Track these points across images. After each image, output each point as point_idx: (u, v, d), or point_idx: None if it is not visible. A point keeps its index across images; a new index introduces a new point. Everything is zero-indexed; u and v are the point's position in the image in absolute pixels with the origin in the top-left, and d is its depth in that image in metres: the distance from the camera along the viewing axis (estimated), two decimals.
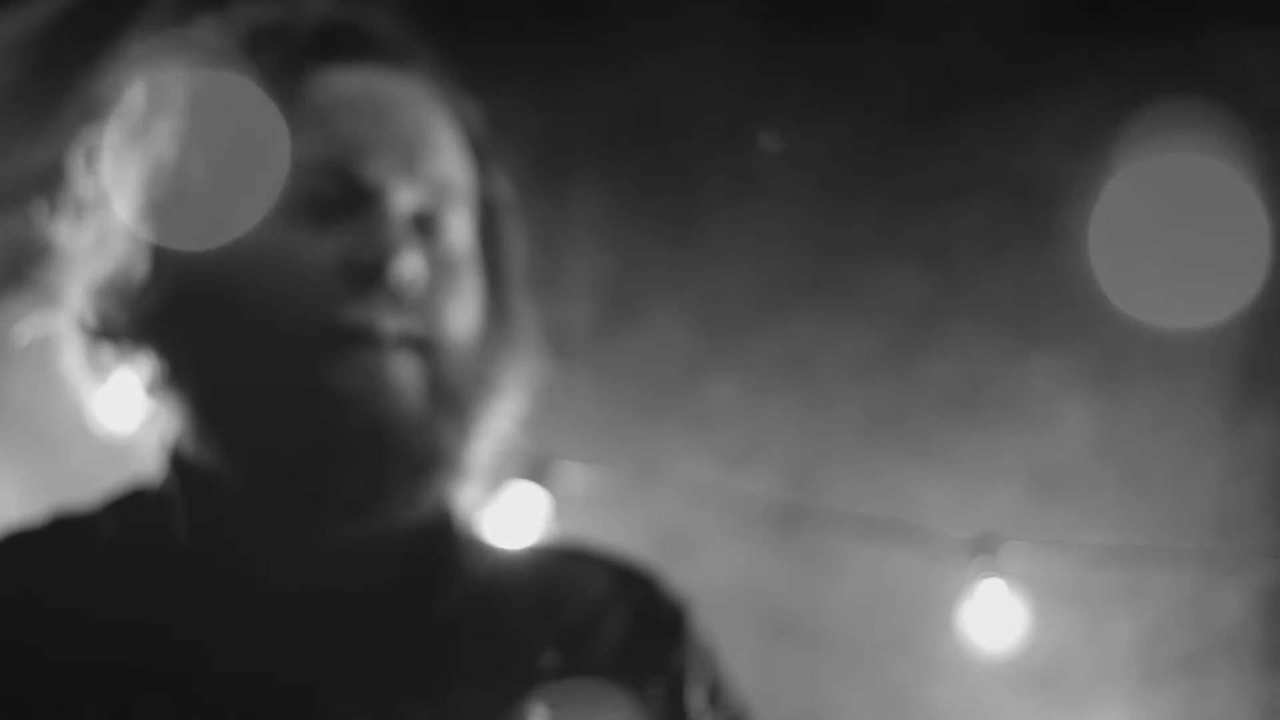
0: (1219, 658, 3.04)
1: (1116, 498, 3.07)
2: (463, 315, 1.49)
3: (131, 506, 1.56)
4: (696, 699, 1.60)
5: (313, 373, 1.44)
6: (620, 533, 2.95)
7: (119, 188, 1.52)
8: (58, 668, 1.45)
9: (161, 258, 1.49)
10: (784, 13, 3.19)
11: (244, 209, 1.48)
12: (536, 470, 2.94)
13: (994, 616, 2.89)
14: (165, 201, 1.50)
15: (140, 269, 1.49)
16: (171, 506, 1.51)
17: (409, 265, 1.45)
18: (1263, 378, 3.05)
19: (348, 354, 1.44)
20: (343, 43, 1.53)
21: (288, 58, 1.51)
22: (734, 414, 3.14)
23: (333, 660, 1.47)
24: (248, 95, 1.50)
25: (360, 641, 1.48)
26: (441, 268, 1.49)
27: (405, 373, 1.45)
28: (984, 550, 2.89)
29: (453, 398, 1.48)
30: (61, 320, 1.56)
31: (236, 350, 1.46)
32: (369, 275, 1.44)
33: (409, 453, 1.45)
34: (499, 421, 1.55)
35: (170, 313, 1.49)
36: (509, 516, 2.90)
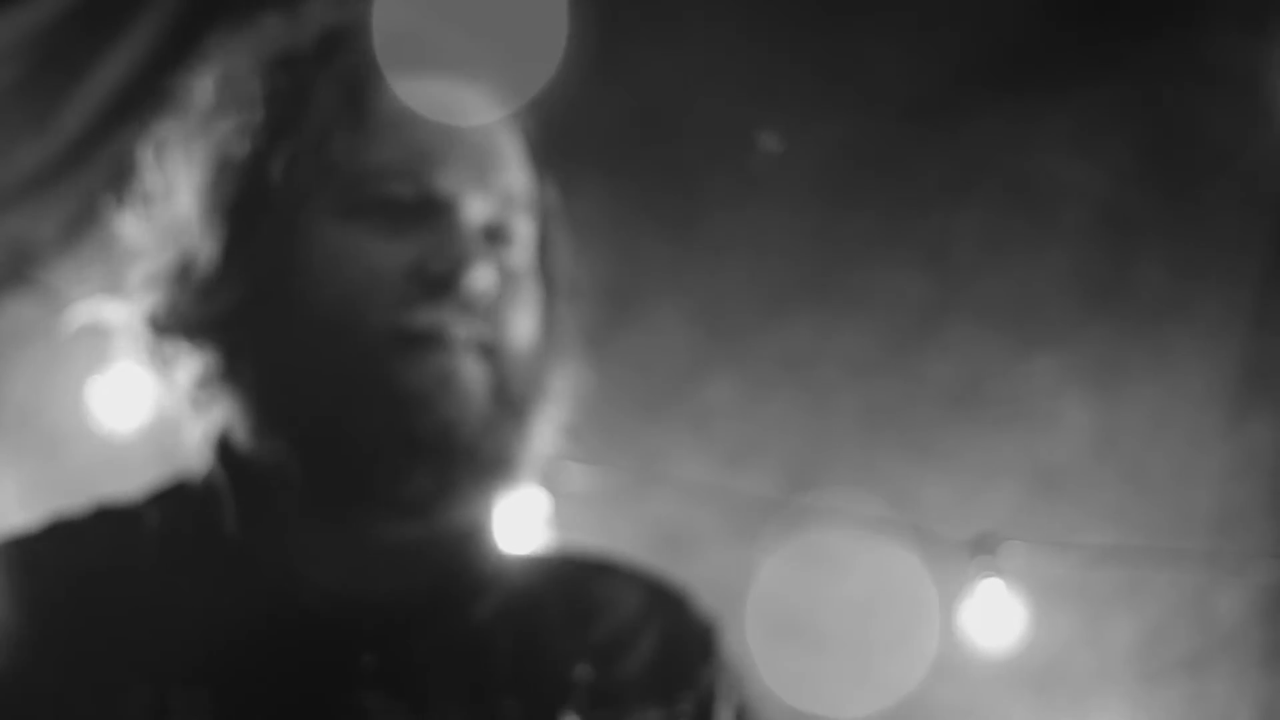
0: (1219, 657, 3.04)
1: (1116, 497, 3.07)
2: (525, 323, 1.52)
3: (176, 499, 1.57)
4: (726, 716, 1.60)
5: (384, 373, 1.46)
6: (620, 532, 2.96)
7: (188, 181, 1.53)
8: (98, 655, 1.46)
9: (234, 255, 1.50)
10: (784, 13, 3.19)
11: (315, 209, 1.50)
12: (537, 455, 2.94)
13: (994, 616, 2.89)
14: (239, 195, 1.51)
15: (211, 265, 1.51)
16: (219, 500, 1.52)
17: (482, 276, 1.47)
18: (1263, 377, 3.05)
19: (418, 356, 1.46)
20: (414, 50, 1.55)
21: (362, 60, 1.53)
22: (734, 413, 3.14)
23: (371, 661, 1.48)
24: (322, 95, 1.52)
25: (400, 644, 1.49)
26: (508, 277, 1.51)
27: (473, 376, 1.48)
28: (984, 550, 2.89)
29: (515, 402, 1.50)
30: (122, 312, 1.57)
31: (307, 349, 1.48)
32: (442, 283, 1.47)
33: (477, 454, 1.48)
34: (550, 427, 1.56)
35: (242, 310, 1.50)
36: (509, 517, 2.90)
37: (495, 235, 1.52)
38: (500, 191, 1.52)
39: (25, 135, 2.97)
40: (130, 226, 1.57)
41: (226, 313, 1.50)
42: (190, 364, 1.53)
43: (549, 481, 2.95)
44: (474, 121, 1.54)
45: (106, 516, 1.57)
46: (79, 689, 1.45)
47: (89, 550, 1.52)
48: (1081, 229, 3.11)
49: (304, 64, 1.54)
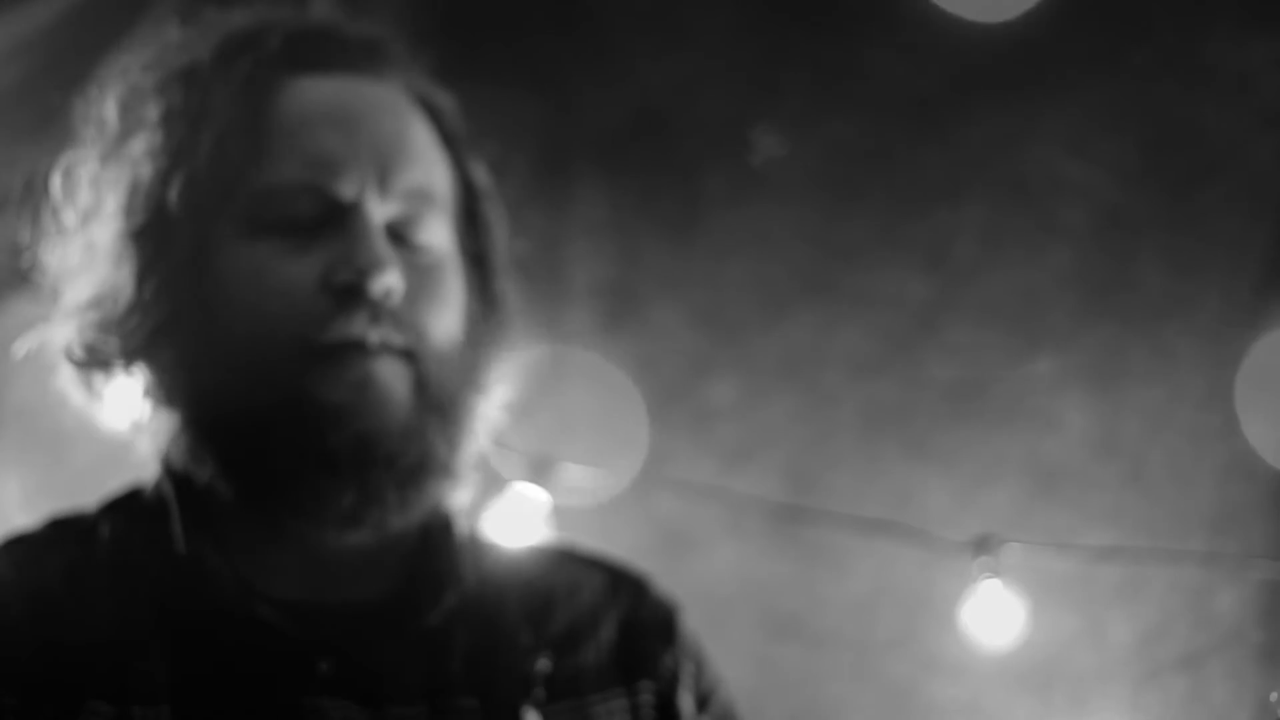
0: (1218, 657, 3.04)
1: (1116, 497, 3.07)
2: (446, 319, 1.51)
3: (127, 510, 1.56)
4: (686, 702, 1.60)
5: (299, 387, 1.45)
6: (621, 533, 2.96)
7: (98, 209, 1.52)
8: (56, 675, 1.45)
9: (145, 283, 1.49)
10: (784, 13, 3.19)
11: (220, 231, 1.49)
12: (537, 471, 2.95)
13: (994, 616, 2.89)
14: (144, 223, 1.49)
15: (125, 294, 1.50)
16: (167, 512, 1.52)
17: (385, 280, 1.46)
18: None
19: (333, 368, 1.46)
20: (314, 51, 1.53)
21: (258, 69, 1.51)
22: (734, 414, 3.14)
23: (328, 668, 1.47)
24: (218, 108, 1.49)
25: (355, 649, 1.48)
26: (421, 274, 1.50)
27: (391, 382, 1.47)
28: (984, 550, 2.89)
29: (440, 402, 1.49)
30: (53, 339, 1.57)
31: (223, 369, 1.47)
32: (350, 292, 1.46)
33: (399, 462, 1.47)
34: (489, 417, 1.56)
35: (156, 336, 1.50)
36: (510, 518, 2.90)
37: (402, 234, 1.51)
38: (406, 188, 1.51)
39: (27, 136, 2.97)
40: (50, 255, 1.56)
41: (144, 340, 1.49)
42: (122, 388, 1.53)
43: (550, 482, 2.95)
44: (379, 118, 1.52)
45: (61, 530, 1.56)
46: (38, 710, 1.44)
47: (44, 567, 1.51)
48: (1081, 229, 3.11)
49: (201, 76, 1.52)
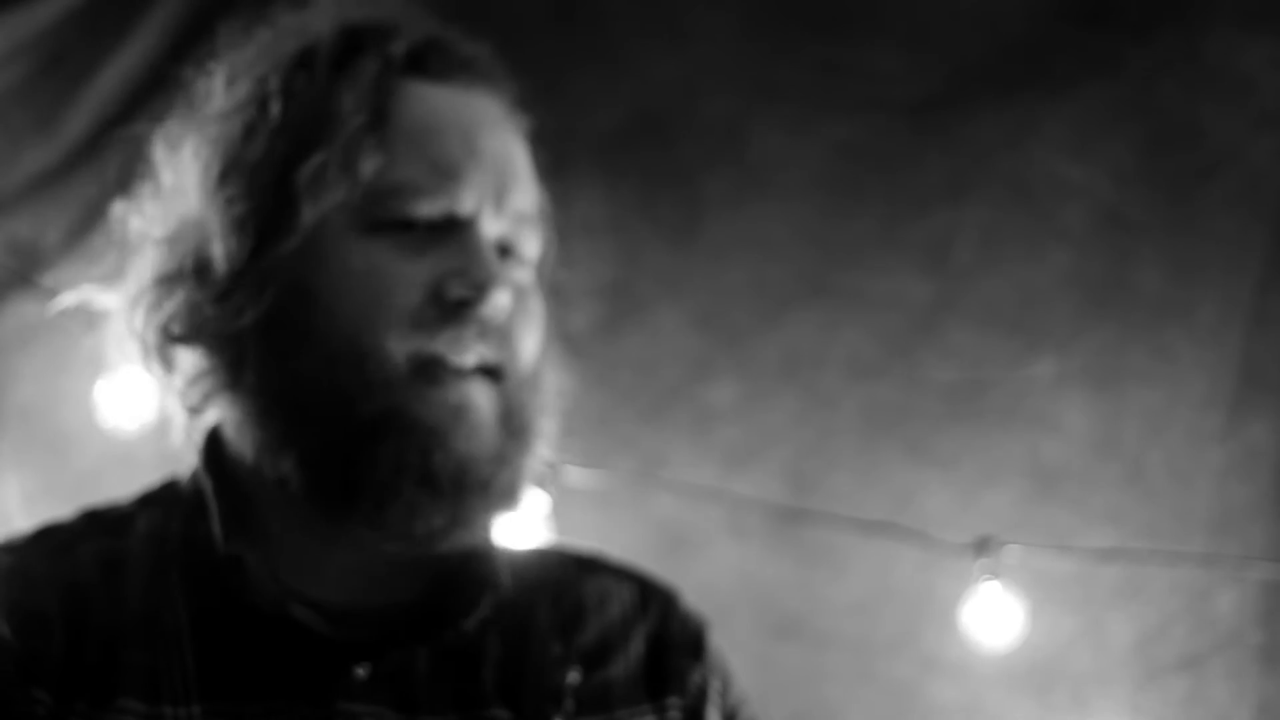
0: (1218, 658, 3.04)
1: (1116, 498, 3.07)
2: (533, 344, 1.51)
3: (164, 503, 1.55)
4: (715, 717, 1.60)
5: (400, 403, 1.43)
6: (621, 535, 2.96)
7: (202, 180, 1.50)
8: (89, 670, 1.44)
9: (255, 263, 1.46)
10: (785, 13, 3.19)
11: (338, 223, 1.47)
12: (537, 473, 2.94)
13: (994, 617, 2.89)
14: (260, 203, 1.47)
15: (231, 271, 1.47)
16: (205, 506, 1.51)
17: (500, 299, 1.46)
18: (1262, 379, 3.05)
19: (434, 385, 1.44)
20: (435, 59, 1.52)
21: (386, 69, 1.50)
22: (734, 415, 3.14)
23: (363, 673, 1.47)
24: (346, 102, 1.48)
25: (391, 655, 1.48)
26: (519, 295, 1.50)
27: (484, 405, 1.46)
28: (984, 551, 2.89)
29: (521, 427, 1.49)
30: (122, 306, 1.54)
31: (322, 367, 1.44)
32: (464, 308, 1.45)
33: (491, 488, 1.46)
34: (546, 442, 1.55)
35: (259, 321, 1.47)
36: (510, 519, 2.90)
37: (507, 253, 1.50)
38: (516, 209, 1.50)
39: (29, 137, 2.97)
40: (139, 221, 1.53)
41: (244, 322, 1.47)
42: (191, 366, 1.51)
43: (550, 484, 2.95)
44: (495, 134, 1.52)
45: (95, 522, 1.55)
46: (69, 706, 1.43)
47: (77, 559, 1.50)
48: (1081, 229, 3.11)
49: (322, 66, 1.50)
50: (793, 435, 3.13)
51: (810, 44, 3.16)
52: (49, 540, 1.53)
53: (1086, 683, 3.07)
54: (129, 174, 1.58)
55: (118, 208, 1.56)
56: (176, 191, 1.51)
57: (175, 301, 1.50)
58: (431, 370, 1.45)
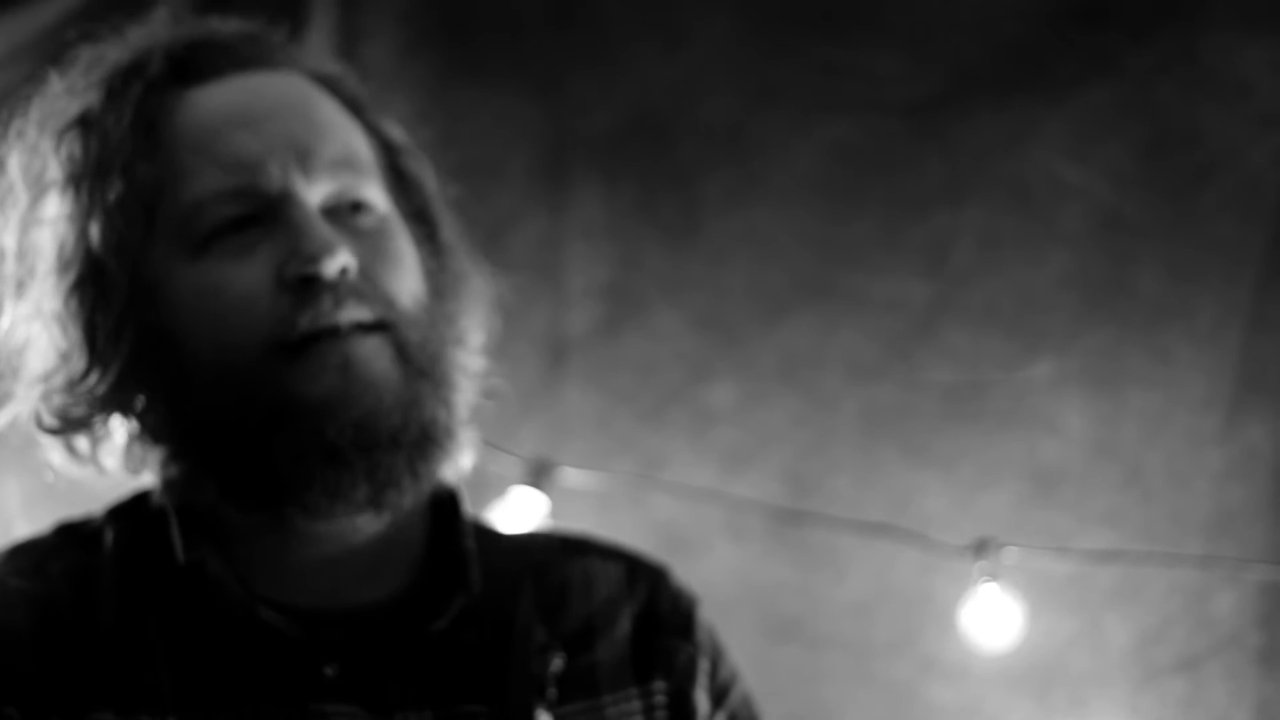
0: (1216, 660, 3.04)
1: (1114, 500, 3.07)
2: (407, 281, 1.50)
3: (132, 517, 1.56)
4: (701, 701, 1.60)
5: (282, 389, 1.44)
6: (621, 536, 2.95)
7: (32, 275, 1.50)
8: (63, 685, 1.45)
9: (95, 332, 1.47)
10: (784, 15, 3.19)
11: (160, 257, 1.47)
12: (537, 475, 2.94)
13: (993, 618, 2.89)
14: (78, 276, 1.47)
15: (79, 350, 1.48)
16: (167, 521, 1.51)
17: (338, 261, 1.45)
18: (1260, 381, 3.05)
19: (311, 360, 1.44)
20: (199, 60, 1.52)
21: (148, 93, 1.49)
22: (734, 417, 3.14)
23: (333, 672, 1.47)
24: (115, 139, 1.47)
25: (361, 654, 1.48)
26: (369, 243, 1.49)
27: (372, 358, 1.45)
28: (983, 553, 2.89)
29: (425, 366, 1.48)
30: (22, 413, 1.55)
31: (200, 391, 1.45)
32: (306, 283, 1.45)
33: (403, 438, 1.46)
34: (472, 367, 1.55)
35: (123, 382, 1.48)
36: (510, 521, 2.90)
37: (339, 209, 1.50)
38: (329, 163, 1.50)
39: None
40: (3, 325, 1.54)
41: (111, 390, 1.47)
42: (108, 437, 1.53)
43: (549, 486, 2.95)
44: (280, 104, 1.51)
45: (67, 536, 1.56)
46: (41, 709, 1.44)
47: (48, 575, 1.51)
48: (1080, 231, 3.11)
49: (95, 118, 1.50)
50: (792, 437, 3.12)
51: (809, 45, 3.16)
52: (20, 558, 1.54)
53: (1085, 684, 3.07)
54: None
55: None
56: (15, 292, 1.52)
57: (56, 393, 1.51)
58: (301, 347, 1.44)
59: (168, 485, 1.52)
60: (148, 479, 1.56)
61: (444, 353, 1.50)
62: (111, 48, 1.54)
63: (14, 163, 1.54)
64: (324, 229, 1.47)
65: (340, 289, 1.45)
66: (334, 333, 1.45)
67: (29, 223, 1.52)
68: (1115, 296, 3.08)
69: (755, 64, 3.18)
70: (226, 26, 1.56)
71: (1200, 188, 3.07)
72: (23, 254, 1.52)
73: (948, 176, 3.13)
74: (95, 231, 1.47)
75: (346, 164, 1.51)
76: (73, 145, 1.50)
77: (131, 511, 1.57)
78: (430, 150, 1.61)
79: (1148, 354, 3.06)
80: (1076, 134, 3.11)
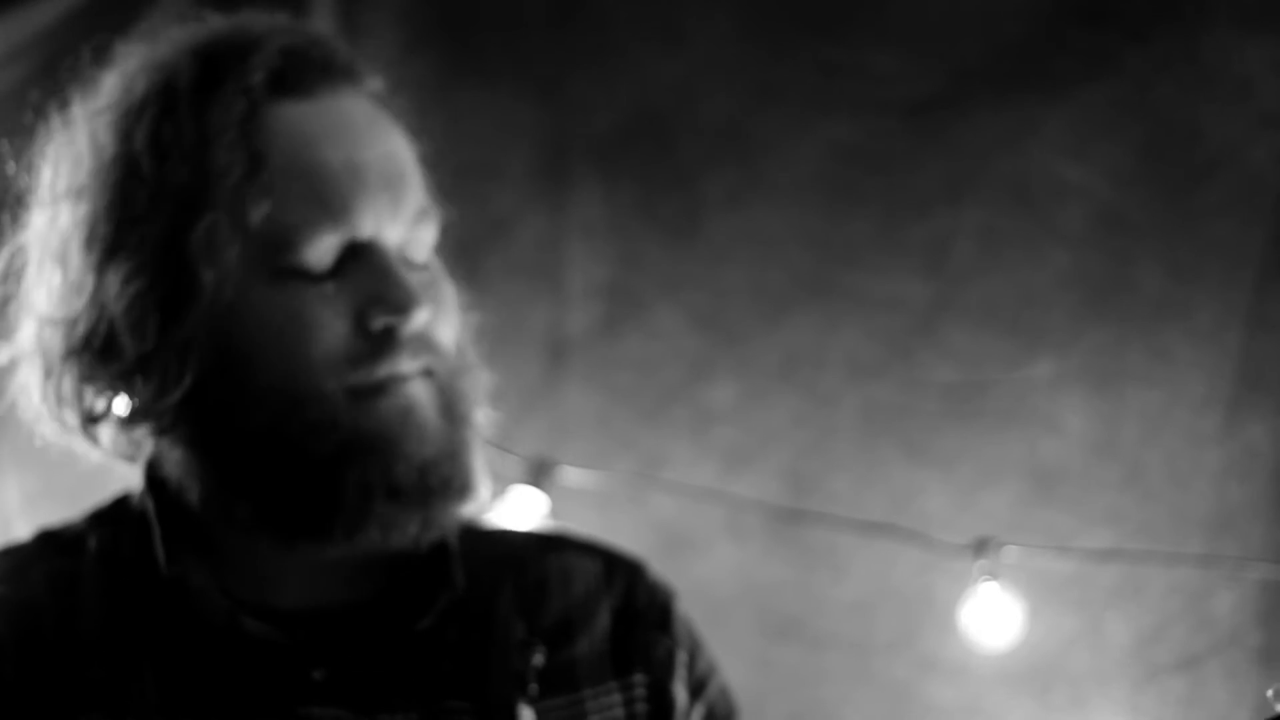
0: (1216, 659, 3.04)
1: (1114, 500, 3.07)
2: (450, 330, 1.51)
3: (114, 521, 1.55)
4: (680, 694, 1.60)
5: (348, 427, 1.43)
6: (621, 535, 2.95)
7: (83, 248, 1.47)
8: (49, 691, 1.44)
9: (168, 343, 1.44)
10: (784, 14, 3.19)
11: (242, 278, 1.44)
12: (537, 474, 2.95)
13: (993, 618, 2.89)
14: (143, 275, 1.44)
15: (129, 346, 1.44)
16: (150, 526, 1.50)
17: (421, 318, 1.46)
18: (1260, 380, 3.05)
19: (379, 401, 1.44)
20: (298, 73, 1.48)
21: (247, 100, 1.45)
22: (734, 416, 3.14)
23: (320, 676, 1.47)
24: (221, 150, 1.43)
25: (347, 657, 1.48)
26: (431, 293, 1.49)
27: (426, 404, 1.46)
28: (983, 552, 2.89)
29: (463, 415, 1.49)
30: (27, 389, 1.51)
31: (263, 417, 1.43)
32: (389, 335, 1.45)
33: (452, 484, 1.47)
34: (487, 418, 1.55)
35: (188, 395, 1.45)
36: (509, 521, 2.90)
37: (409, 254, 1.49)
38: (412, 213, 1.49)
39: (28, 138, 2.96)
40: (21, 289, 1.51)
41: (170, 400, 1.44)
42: (117, 428, 1.50)
43: (549, 486, 2.95)
44: (374, 139, 1.49)
45: (49, 543, 1.54)
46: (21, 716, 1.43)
47: (31, 582, 1.50)
48: (1080, 230, 3.11)
49: (185, 109, 1.45)
50: (792, 436, 3.13)
51: (810, 45, 3.16)
52: (5, 564, 1.53)
53: (1085, 683, 3.07)
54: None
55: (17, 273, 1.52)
56: (60, 260, 1.48)
57: (89, 384, 1.48)
58: (375, 390, 1.44)
59: (157, 485, 1.51)
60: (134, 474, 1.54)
61: (472, 403, 1.51)
62: (200, 29, 1.51)
63: (82, 118, 1.50)
64: (409, 281, 1.46)
65: (415, 341, 1.45)
66: (402, 382, 1.45)
67: (99, 193, 1.47)
68: (1115, 295, 3.08)
69: (755, 64, 3.18)
70: (315, 34, 1.53)
71: (1200, 187, 3.07)
72: (88, 227, 1.47)
73: (948, 176, 3.13)
74: (193, 237, 1.43)
75: (424, 215, 1.51)
76: (165, 128, 1.45)
77: (113, 516, 1.56)
78: (430, 150, 1.60)
79: (1148, 353, 3.06)
80: (1076, 133, 3.11)
